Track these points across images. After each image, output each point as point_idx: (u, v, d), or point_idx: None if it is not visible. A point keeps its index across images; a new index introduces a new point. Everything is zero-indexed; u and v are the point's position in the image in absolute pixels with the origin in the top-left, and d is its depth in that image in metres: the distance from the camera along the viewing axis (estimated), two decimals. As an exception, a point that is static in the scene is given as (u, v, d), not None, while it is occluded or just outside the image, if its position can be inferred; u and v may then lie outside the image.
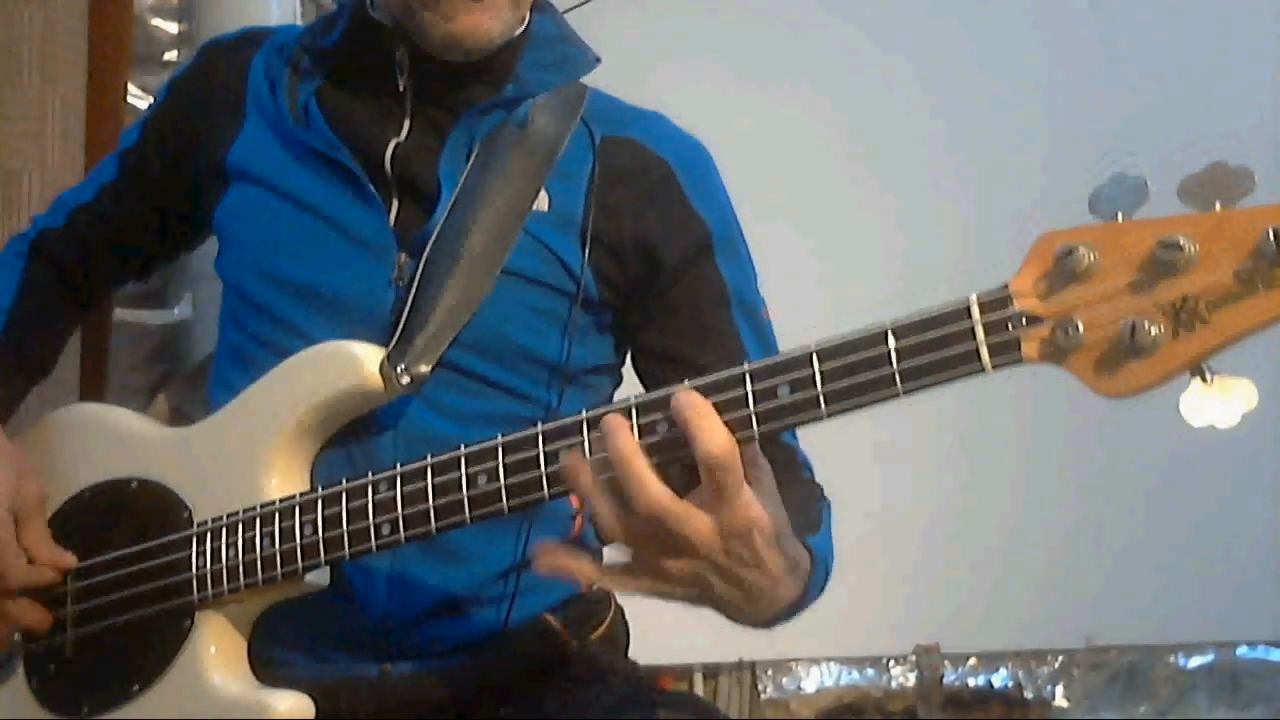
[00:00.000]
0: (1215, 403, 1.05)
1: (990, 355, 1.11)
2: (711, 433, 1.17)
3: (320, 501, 1.45)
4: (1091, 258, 1.07)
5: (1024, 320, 1.10)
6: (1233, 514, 3.68)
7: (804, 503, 1.51)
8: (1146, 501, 3.65)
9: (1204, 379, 1.05)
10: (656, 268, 1.65)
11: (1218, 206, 1.04)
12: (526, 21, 1.67)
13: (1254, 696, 3.75)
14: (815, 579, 1.36)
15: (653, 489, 1.18)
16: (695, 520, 1.18)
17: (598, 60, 1.72)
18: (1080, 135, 3.47)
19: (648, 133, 1.71)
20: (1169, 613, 3.69)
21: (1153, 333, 1.04)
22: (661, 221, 1.65)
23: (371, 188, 1.60)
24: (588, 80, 1.73)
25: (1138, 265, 1.06)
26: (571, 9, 1.81)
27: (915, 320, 1.14)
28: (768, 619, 1.34)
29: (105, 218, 1.83)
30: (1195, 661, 3.77)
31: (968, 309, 1.12)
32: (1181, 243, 1.03)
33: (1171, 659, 3.77)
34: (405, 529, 1.39)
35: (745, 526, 1.19)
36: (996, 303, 1.11)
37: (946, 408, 3.47)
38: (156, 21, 2.99)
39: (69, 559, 1.60)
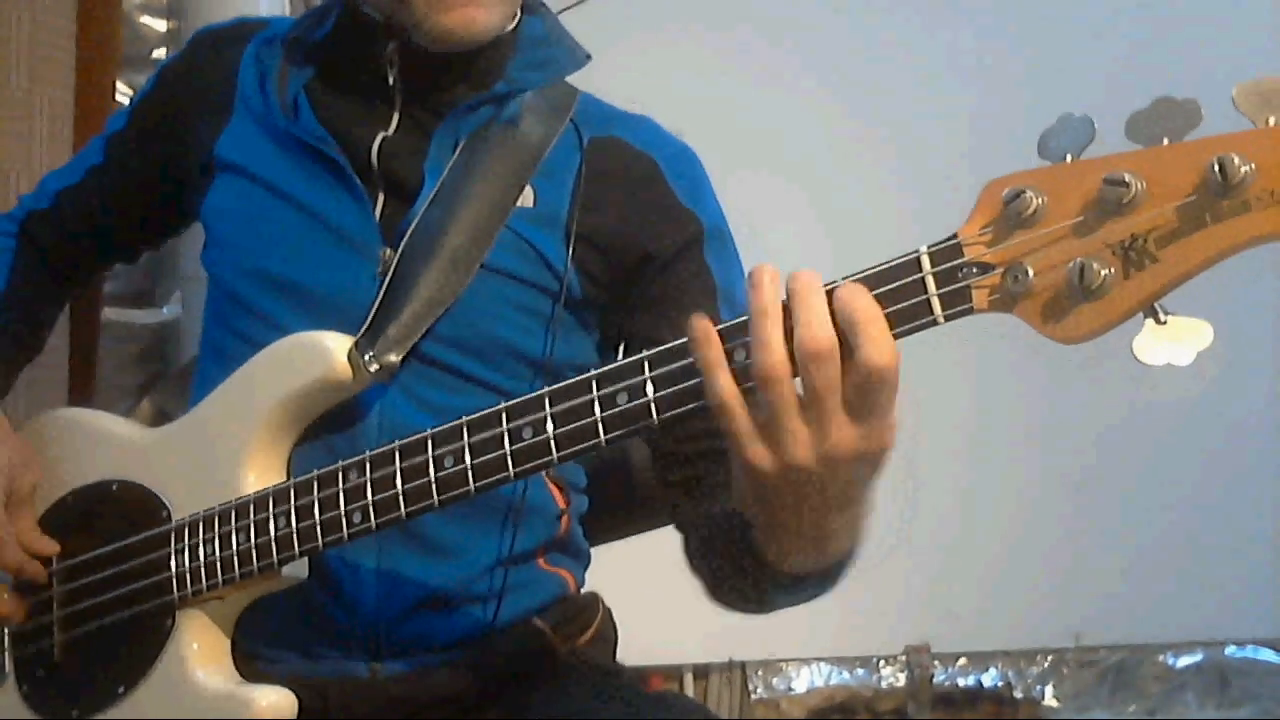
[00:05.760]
0: (1169, 344, 1.02)
1: (942, 307, 1.09)
2: (882, 341, 1.09)
3: (293, 492, 1.44)
4: (1039, 201, 1.04)
5: (974, 269, 1.07)
6: (1222, 513, 3.66)
7: None
8: (1136, 501, 3.63)
9: (1158, 320, 1.02)
10: (645, 261, 1.63)
11: (1165, 142, 1.01)
12: (517, 19, 1.66)
13: (1243, 695, 3.75)
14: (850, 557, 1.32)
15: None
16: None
17: (588, 57, 1.70)
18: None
19: (634, 133, 1.70)
20: (1158, 612, 3.68)
21: (1103, 274, 1.01)
22: (649, 217, 1.64)
23: (358, 182, 1.59)
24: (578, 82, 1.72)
25: (1084, 205, 1.03)
26: (565, 9, 1.81)
27: (867, 275, 1.11)
28: (800, 571, 1.29)
29: (90, 201, 1.83)
30: (1184, 660, 3.77)
31: (917, 261, 1.10)
32: (1127, 179, 1.00)
33: (1161, 658, 3.76)
34: (376, 516, 1.38)
35: (881, 449, 1.13)
36: (945, 253, 1.09)
37: (937, 408, 3.50)
38: (145, 19, 2.99)
39: (54, 548, 1.61)
